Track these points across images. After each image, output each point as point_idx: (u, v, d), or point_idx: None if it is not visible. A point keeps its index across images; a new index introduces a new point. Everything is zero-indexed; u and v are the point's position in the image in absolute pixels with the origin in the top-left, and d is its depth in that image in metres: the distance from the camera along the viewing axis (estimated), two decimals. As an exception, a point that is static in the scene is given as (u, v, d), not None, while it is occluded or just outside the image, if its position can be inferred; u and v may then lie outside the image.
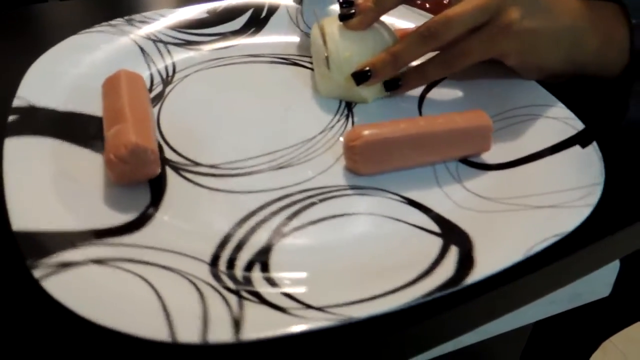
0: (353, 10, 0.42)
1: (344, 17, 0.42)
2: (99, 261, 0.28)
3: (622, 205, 0.33)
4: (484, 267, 0.28)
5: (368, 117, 0.42)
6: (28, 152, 0.34)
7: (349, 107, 0.43)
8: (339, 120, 0.42)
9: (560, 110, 0.40)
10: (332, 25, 0.43)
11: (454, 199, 0.35)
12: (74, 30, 0.47)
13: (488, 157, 0.38)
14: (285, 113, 0.43)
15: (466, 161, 0.38)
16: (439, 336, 0.29)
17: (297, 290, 0.28)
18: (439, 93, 0.45)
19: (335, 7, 0.52)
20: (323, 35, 0.44)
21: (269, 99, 0.44)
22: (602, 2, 0.42)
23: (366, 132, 0.35)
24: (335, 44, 0.42)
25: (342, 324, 0.26)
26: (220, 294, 0.27)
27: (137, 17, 0.50)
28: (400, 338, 0.27)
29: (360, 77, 0.41)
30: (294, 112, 0.43)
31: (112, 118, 0.35)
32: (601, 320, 0.78)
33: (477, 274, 0.27)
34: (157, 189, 0.35)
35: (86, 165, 0.35)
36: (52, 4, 0.59)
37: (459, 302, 0.27)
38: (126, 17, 0.50)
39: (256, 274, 0.29)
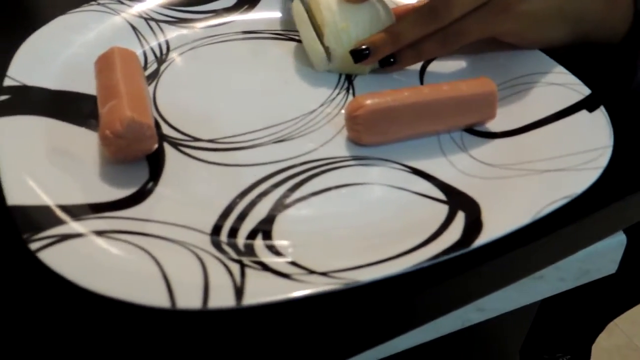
0: (351, -18, 0.41)
1: (342, -12, 0.41)
2: (97, 232, 0.27)
3: (631, 169, 0.33)
4: (492, 229, 0.27)
5: (369, 89, 0.41)
6: (21, 131, 0.33)
7: (349, 80, 0.42)
8: (339, 93, 0.41)
9: (564, 77, 0.39)
10: None
11: (459, 167, 0.34)
12: (56, 8, 0.46)
13: (493, 126, 0.37)
14: (284, 87, 0.42)
15: (471, 130, 0.37)
16: (448, 303, 0.28)
17: (301, 257, 0.27)
18: (440, 65, 0.44)
19: None
20: (310, 6, 0.43)
21: (266, 74, 0.43)
22: None
23: (369, 102, 0.34)
24: (331, 14, 0.41)
25: (346, 287, 0.25)
26: (222, 261, 0.27)
27: (127, -5, 0.49)
28: (408, 304, 0.26)
29: (359, 55, 0.40)
30: (293, 86, 0.42)
31: (106, 95, 0.34)
32: (607, 301, 0.77)
33: (485, 236, 0.27)
34: (155, 164, 0.34)
35: (82, 143, 0.34)
36: None
37: (468, 267, 0.27)
38: (115, -4, 0.49)
39: (258, 242, 0.28)
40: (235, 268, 0.26)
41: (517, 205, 0.29)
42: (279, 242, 0.28)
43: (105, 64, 0.38)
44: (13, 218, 0.27)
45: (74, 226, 0.27)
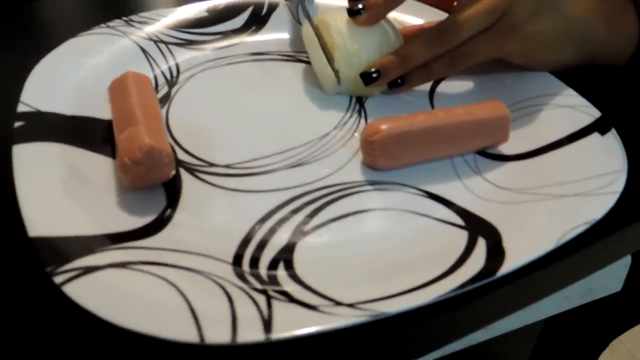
0: (361, 6, 0.41)
1: (352, 12, 0.41)
2: (120, 265, 0.27)
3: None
4: (516, 257, 0.27)
5: (380, 112, 0.42)
6: (38, 158, 0.33)
7: (360, 102, 0.43)
8: (351, 116, 0.41)
9: (574, 99, 0.40)
10: (336, 19, 0.43)
11: (475, 191, 0.34)
12: (68, 30, 0.46)
13: (506, 148, 0.38)
14: (295, 110, 0.42)
15: (484, 153, 0.38)
16: (463, 327, 0.29)
17: (326, 287, 0.27)
18: (449, 85, 0.45)
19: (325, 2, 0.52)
20: (320, 29, 0.44)
21: (277, 97, 0.43)
22: None
23: (384, 127, 0.34)
24: (342, 37, 0.41)
25: (374, 319, 0.25)
26: (248, 293, 0.27)
27: (135, 17, 0.49)
28: (426, 330, 0.26)
29: (369, 78, 0.41)
30: (304, 109, 0.42)
31: (123, 121, 0.35)
32: (610, 318, 0.78)
33: (509, 265, 0.27)
34: (172, 191, 0.34)
35: (97, 169, 0.35)
36: (43, 3, 0.57)
37: (486, 291, 0.27)
38: (124, 18, 0.49)
39: (281, 272, 0.28)
40: (261, 300, 0.26)
41: (538, 231, 0.29)
42: (301, 271, 0.29)
43: (119, 88, 0.38)
44: (36, 249, 0.27)
45: (97, 258, 0.27)
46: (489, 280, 0.26)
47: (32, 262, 0.27)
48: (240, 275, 0.28)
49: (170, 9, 0.50)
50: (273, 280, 0.28)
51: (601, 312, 0.73)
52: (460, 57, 0.40)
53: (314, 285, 0.27)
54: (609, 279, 0.42)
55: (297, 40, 0.50)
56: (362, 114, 0.42)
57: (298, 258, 0.30)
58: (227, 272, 0.28)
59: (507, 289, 0.27)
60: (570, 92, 0.40)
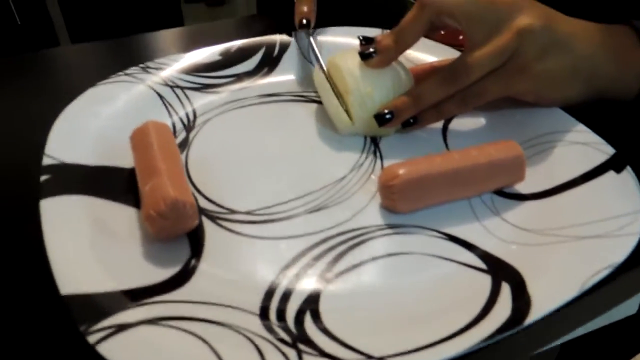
0: (373, 49, 0.42)
1: (365, 56, 0.42)
2: (151, 321, 0.28)
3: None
4: (542, 304, 0.28)
5: (395, 152, 0.42)
6: (64, 211, 0.34)
7: (374, 143, 0.44)
8: (367, 157, 0.42)
9: (586, 135, 0.40)
10: (347, 61, 0.44)
11: (495, 232, 0.35)
12: (85, 76, 0.47)
13: (522, 187, 0.38)
14: (311, 152, 0.43)
15: (500, 192, 0.38)
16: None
17: (354, 339, 0.27)
18: (462, 123, 0.45)
19: (334, 40, 0.53)
20: (331, 72, 0.45)
21: (293, 139, 0.44)
22: (615, 26, 0.43)
23: (402, 171, 0.35)
24: (354, 80, 0.42)
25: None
26: (278, 347, 0.27)
27: (151, 64, 0.50)
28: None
29: (382, 119, 0.42)
30: (320, 151, 0.43)
31: (146, 172, 0.35)
32: (626, 340, 0.77)
33: (536, 313, 0.27)
34: (195, 240, 0.35)
35: (122, 220, 0.35)
36: (61, 49, 0.59)
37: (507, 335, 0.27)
38: (141, 65, 0.50)
39: (309, 324, 0.29)
40: (292, 354, 0.26)
41: (561, 276, 0.30)
42: (328, 321, 0.29)
43: (141, 139, 0.39)
44: (68, 308, 0.28)
45: (128, 315, 0.28)
46: (517, 329, 0.27)
47: (62, 321, 0.27)
48: (269, 328, 0.28)
49: (184, 54, 0.51)
50: (301, 332, 0.28)
51: (617, 334, 0.73)
52: (471, 97, 0.41)
53: (342, 337, 0.28)
54: (624, 303, 0.42)
55: (308, 80, 0.51)
56: (378, 154, 0.42)
57: (324, 308, 0.30)
58: (255, 324, 0.29)
59: (528, 331, 0.28)
60: (582, 128, 0.41)
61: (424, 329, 0.27)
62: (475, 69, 0.40)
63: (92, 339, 0.26)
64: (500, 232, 0.35)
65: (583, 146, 0.39)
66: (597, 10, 0.45)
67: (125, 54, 0.57)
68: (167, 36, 0.61)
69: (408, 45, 0.42)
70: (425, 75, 0.45)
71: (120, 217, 0.35)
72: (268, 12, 0.81)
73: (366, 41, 0.43)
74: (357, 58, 0.43)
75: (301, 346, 0.27)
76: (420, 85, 0.42)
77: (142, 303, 0.29)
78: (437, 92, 0.41)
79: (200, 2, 2.62)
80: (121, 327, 0.27)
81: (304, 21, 0.51)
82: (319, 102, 0.48)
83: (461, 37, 0.57)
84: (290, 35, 0.54)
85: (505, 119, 0.45)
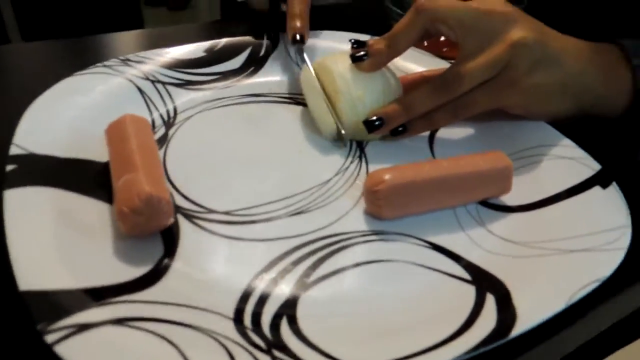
0: (364, 52, 0.41)
1: (355, 59, 0.41)
2: (116, 321, 0.26)
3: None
4: (527, 317, 0.27)
5: (381, 157, 0.41)
6: (30, 204, 0.32)
7: (360, 148, 0.43)
8: (352, 162, 0.41)
9: (572, 150, 0.40)
10: (337, 63, 0.43)
11: (480, 243, 0.34)
12: (38, 75, 0.45)
13: (507, 199, 0.37)
14: (295, 155, 0.41)
15: (486, 203, 0.37)
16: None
17: (333, 348, 0.26)
18: (449, 132, 0.45)
19: (321, 44, 0.52)
20: (320, 74, 0.44)
21: (277, 141, 0.43)
22: (602, 44, 0.43)
23: (388, 177, 0.34)
24: (345, 82, 0.41)
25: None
26: (251, 354, 0.25)
27: (132, 57, 0.49)
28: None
29: (372, 125, 0.41)
30: (304, 154, 0.42)
31: (121, 166, 0.34)
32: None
33: (521, 325, 0.26)
34: (169, 239, 0.33)
35: (92, 215, 0.33)
36: (13, 46, 0.57)
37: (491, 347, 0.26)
38: (121, 57, 0.48)
39: (285, 329, 0.27)
40: (266, 360, 0.25)
41: (547, 288, 0.29)
42: (305, 327, 0.28)
43: (117, 132, 0.37)
44: (26, 304, 0.26)
45: (91, 314, 0.26)
46: (501, 342, 0.26)
47: (19, 318, 0.26)
48: (243, 333, 0.27)
49: (167, 49, 0.50)
50: (277, 338, 0.27)
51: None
52: (461, 108, 0.40)
53: (319, 344, 0.26)
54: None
55: (295, 82, 0.50)
56: (363, 159, 0.41)
57: (301, 313, 0.29)
58: (228, 328, 0.27)
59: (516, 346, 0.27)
60: (568, 142, 0.41)
61: (406, 338, 0.26)
62: (467, 80, 0.39)
63: (50, 338, 0.24)
64: (485, 243, 0.34)
65: (569, 161, 0.39)
66: (584, 29, 0.45)
67: (82, 54, 0.55)
68: (126, 38, 0.59)
69: (400, 51, 0.42)
70: (414, 84, 0.45)
71: (91, 212, 0.34)
72: (231, 17, 0.79)
73: (358, 44, 0.42)
74: (348, 61, 0.42)
75: (276, 352, 0.25)
76: (411, 93, 0.41)
77: (108, 302, 0.27)
78: (427, 101, 0.41)
79: (161, 6, 2.54)
80: (82, 327, 0.25)
81: (298, 37, 0.50)
82: (305, 105, 0.47)
83: (445, 49, 0.57)
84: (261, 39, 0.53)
85: (493, 130, 0.44)
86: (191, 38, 0.52)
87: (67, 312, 0.25)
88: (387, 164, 0.37)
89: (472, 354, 0.25)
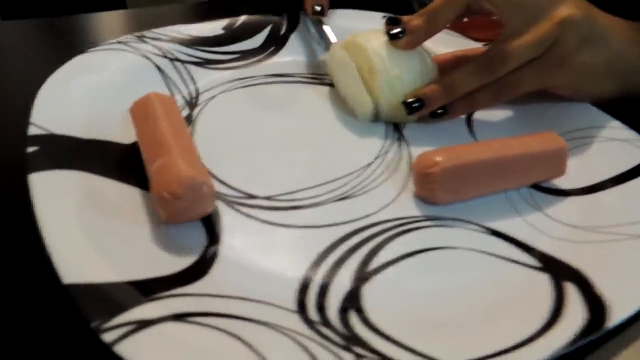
0: (401, 29, 0.39)
1: (393, 36, 0.39)
2: (177, 317, 0.23)
3: None
4: (620, 306, 0.25)
5: (421, 141, 0.39)
6: (59, 190, 0.29)
7: (398, 129, 0.40)
8: (392, 144, 0.39)
9: (623, 132, 0.38)
10: (372, 41, 0.40)
11: (541, 228, 0.32)
12: (18, 55, 0.41)
13: (560, 182, 0.36)
14: (329, 137, 0.39)
15: (538, 187, 0.36)
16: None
17: (412, 341, 0.24)
18: (487, 114, 0.43)
19: (353, 25, 0.50)
20: (352, 52, 0.41)
21: (307, 122, 0.40)
22: None
23: (441, 158, 0.32)
24: (382, 60, 0.39)
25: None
26: (330, 350, 0.23)
27: (148, 33, 0.45)
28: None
29: (411, 107, 0.39)
30: (339, 137, 0.39)
31: (153, 148, 0.31)
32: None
33: (616, 315, 0.24)
34: (210, 226, 0.30)
35: (123, 201, 0.30)
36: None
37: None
38: (136, 34, 0.45)
39: (356, 322, 0.25)
40: (348, 358, 0.23)
41: (635, 275, 0.27)
42: (376, 319, 0.25)
43: (143, 111, 0.34)
44: (72, 300, 0.23)
45: (147, 310, 0.23)
46: (598, 335, 0.24)
47: (66, 315, 0.23)
48: (312, 327, 0.24)
49: (184, 26, 0.47)
50: (350, 331, 0.24)
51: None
52: (507, 88, 0.38)
53: (398, 338, 0.24)
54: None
55: (318, 62, 0.47)
56: (403, 142, 0.39)
57: (368, 305, 0.26)
58: (294, 322, 0.25)
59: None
60: (617, 124, 0.39)
61: (492, 331, 0.24)
62: (513, 58, 0.37)
63: (107, 337, 0.21)
64: (546, 228, 0.32)
65: (621, 142, 0.37)
66: (626, 8, 0.44)
67: (67, 34, 0.51)
68: (109, 18, 0.56)
69: (440, 28, 0.39)
70: (449, 64, 0.42)
71: (121, 197, 0.31)
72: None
73: (392, 22, 0.40)
74: (381, 39, 0.40)
75: (355, 348, 0.23)
76: (451, 73, 0.39)
77: (160, 296, 0.24)
78: (471, 80, 0.39)
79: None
80: (143, 324, 0.22)
81: (317, 8, 0.47)
82: (331, 85, 0.44)
83: (472, 32, 0.55)
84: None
85: (534, 112, 0.42)
86: (177, 20, 0.48)
87: (122, 308, 0.23)
88: (429, 146, 0.35)
89: (570, 348, 0.23)
